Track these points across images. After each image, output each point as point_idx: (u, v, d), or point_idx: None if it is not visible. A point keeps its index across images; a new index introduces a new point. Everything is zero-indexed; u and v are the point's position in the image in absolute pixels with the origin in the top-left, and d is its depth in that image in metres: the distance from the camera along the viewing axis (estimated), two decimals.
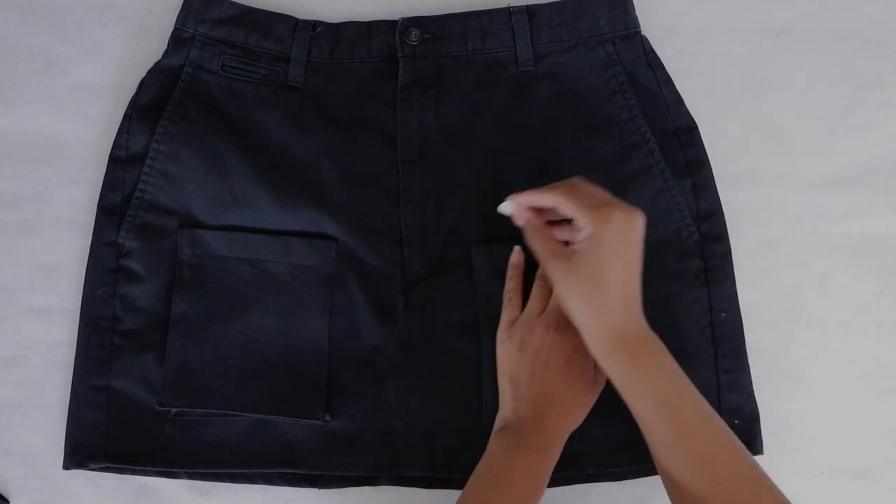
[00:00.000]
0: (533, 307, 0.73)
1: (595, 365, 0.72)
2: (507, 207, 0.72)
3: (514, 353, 0.72)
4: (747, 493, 0.63)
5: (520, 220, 0.72)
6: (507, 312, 0.74)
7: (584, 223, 0.66)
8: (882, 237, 0.81)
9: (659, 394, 0.65)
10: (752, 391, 0.76)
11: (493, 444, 0.70)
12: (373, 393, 0.76)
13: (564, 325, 0.72)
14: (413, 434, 0.75)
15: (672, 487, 0.66)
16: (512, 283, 0.75)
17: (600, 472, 0.75)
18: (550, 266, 0.68)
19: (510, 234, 0.76)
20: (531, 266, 0.76)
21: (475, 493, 0.68)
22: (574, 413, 0.71)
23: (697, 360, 0.75)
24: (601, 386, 0.73)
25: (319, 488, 0.77)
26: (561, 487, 0.76)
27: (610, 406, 0.74)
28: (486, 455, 0.70)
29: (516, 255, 0.76)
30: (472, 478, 0.69)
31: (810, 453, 0.78)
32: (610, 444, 0.75)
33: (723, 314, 0.76)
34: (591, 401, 0.72)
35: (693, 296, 0.76)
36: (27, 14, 0.84)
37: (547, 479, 0.69)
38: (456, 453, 0.73)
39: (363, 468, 0.75)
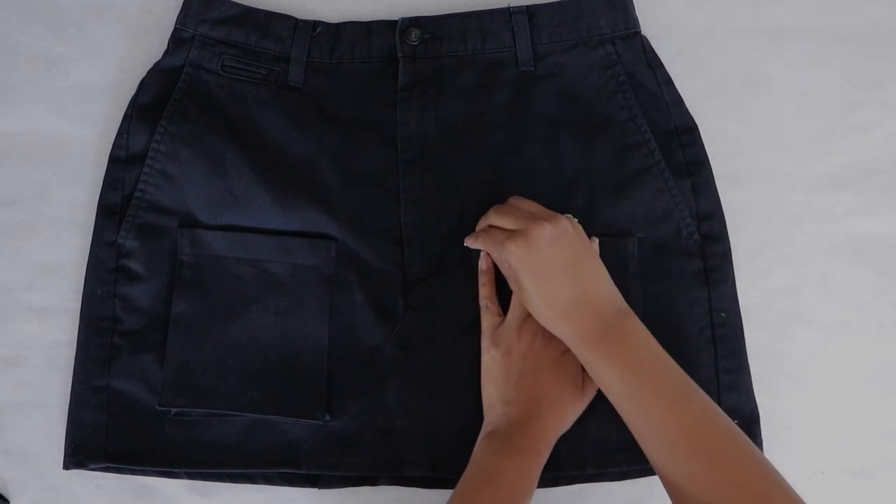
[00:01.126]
0: (517, 312, 0.74)
1: (584, 369, 0.73)
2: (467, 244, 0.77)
3: (500, 358, 0.73)
4: (719, 477, 0.63)
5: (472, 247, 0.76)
6: (487, 319, 0.75)
7: (501, 261, 0.72)
8: (882, 237, 0.81)
9: (625, 387, 0.67)
10: (752, 391, 0.76)
11: (481, 447, 0.71)
12: (373, 393, 0.76)
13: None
14: (413, 434, 0.75)
15: (659, 475, 0.67)
16: (486, 290, 0.76)
17: (601, 471, 0.76)
18: (512, 288, 0.73)
19: None
20: None
21: (464, 494, 0.68)
22: (563, 416, 0.72)
23: (697, 360, 0.76)
24: (591, 390, 0.73)
25: (319, 488, 0.77)
26: (562, 487, 0.76)
27: (610, 406, 0.74)
28: (473, 458, 0.70)
29: (485, 261, 0.76)
30: (461, 480, 0.69)
31: (810, 453, 0.78)
32: (610, 444, 0.75)
33: (723, 314, 0.76)
34: (580, 404, 0.73)
35: (693, 296, 0.76)
36: (27, 14, 0.84)
37: (536, 481, 0.70)
38: (456, 453, 0.73)
39: (363, 468, 0.75)
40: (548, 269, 0.69)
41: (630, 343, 0.68)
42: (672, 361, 0.68)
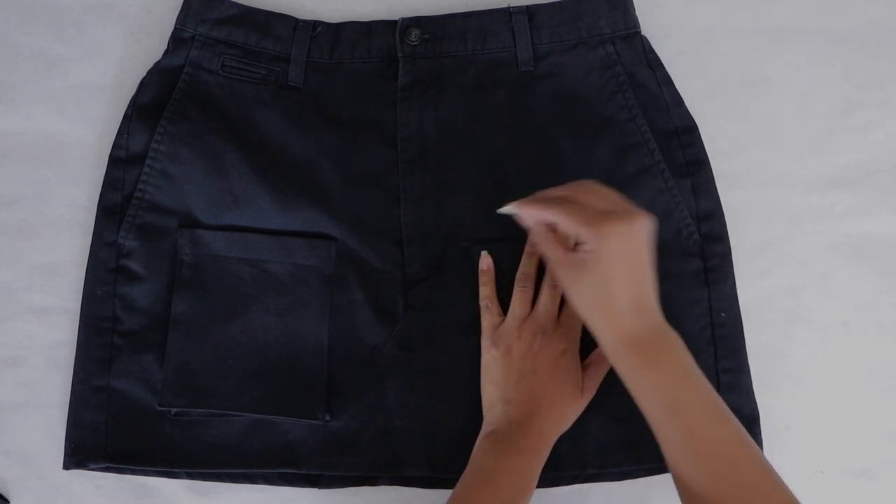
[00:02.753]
0: (516, 312, 0.74)
1: (583, 369, 0.73)
2: (509, 209, 0.71)
3: (500, 358, 0.73)
4: (749, 499, 0.62)
5: (527, 221, 0.71)
6: (487, 319, 0.75)
7: (584, 239, 0.64)
8: (882, 237, 0.81)
9: (665, 395, 0.65)
10: (752, 391, 0.76)
11: (481, 446, 0.71)
12: (373, 393, 0.76)
13: (551, 330, 0.72)
14: (413, 434, 0.75)
15: (680, 487, 0.66)
16: (486, 290, 0.75)
17: (601, 471, 0.76)
18: (559, 273, 0.68)
19: (510, 234, 0.76)
20: (510, 269, 0.76)
21: (464, 494, 0.68)
22: (562, 416, 0.72)
23: (697, 360, 0.75)
24: (591, 391, 0.73)
25: (319, 488, 0.77)
26: (561, 487, 0.76)
27: (610, 406, 0.74)
28: (473, 458, 0.70)
29: (485, 261, 0.76)
30: (460, 480, 0.69)
31: (810, 453, 0.78)
32: (610, 444, 0.75)
33: (723, 314, 0.76)
34: (580, 404, 0.73)
35: (693, 296, 0.76)
36: (27, 14, 0.84)
37: (535, 481, 0.70)
38: (456, 453, 0.73)
39: (363, 468, 0.75)
40: (635, 259, 0.64)
41: (675, 353, 0.66)
42: (706, 379, 0.66)
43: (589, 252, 0.64)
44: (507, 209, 0.70)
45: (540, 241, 0.69)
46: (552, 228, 0.69)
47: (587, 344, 0.74)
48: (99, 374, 0.76)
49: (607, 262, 0.64)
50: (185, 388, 0.75)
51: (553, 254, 0.68)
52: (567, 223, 0.65)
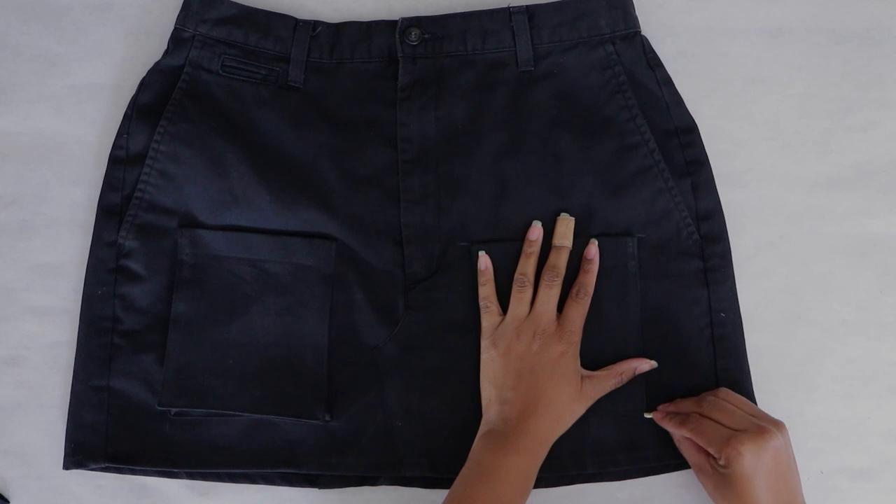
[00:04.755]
0: (515, 312, 0.74)
1: (589, 377, 0.73)
2: (652, 416, 0.74)
3: (498, 358, 0.73)
4: None
5: (666, 427, 0.73)
6: (487, 319, 0.75)
7: (718, 456, 0.68)
8: (882, 237, 0.81)
9: None
10: (752, 391, 0.76)
11: (479, 446, 0.71)
12: (373, 393, 0.76)
13: (550, 331, 0.72)
14: (413, 434, 0.75)
15: None
16: (485, 290, 0.75)
17: (601, 471, 0.76)
18: (698, 477, 0.72)
19: (510, 234, 0.76)
20: (511, 269, 0.76)
21: (463, 492, 0.68)
22: (559, 418, 0.72)
23: (697, 360, 0.76)
24: (591, 398, 0.73)
25: (319, 488, 0.77)
26: (561, 487, 0.76)
27: (610, 406, 0.74)
28: (471, 456, 0.71)
29: (483, 261, 0.76)
30: (459, 477, 0.69)
31: (810, 453, 0.78)
32: (610, 444, 0.75)
33: (723, 314, 0.76)
34: (578, 407, 0.73)
35: (693, 296, 0.76)
36: (27, 14, 0.84)
37: (532, 481, 0.70)
38: (456, 453, 0.73)
39: (363, 468, 0.75)
40: (772, 473, 0.67)
41: None
42: None
43: (724, 468, 0.68)
44: (650, 415, 0.74)
45: (679, 446, 0.73)
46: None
47: (587, 346, 0.74)
48: (99, 374, 0.76)
49: (741, 480, 0.67)
50: (185, 388, 0.75)
51: (692, 459, 0.72)
52: (700, 442, 0.69)
